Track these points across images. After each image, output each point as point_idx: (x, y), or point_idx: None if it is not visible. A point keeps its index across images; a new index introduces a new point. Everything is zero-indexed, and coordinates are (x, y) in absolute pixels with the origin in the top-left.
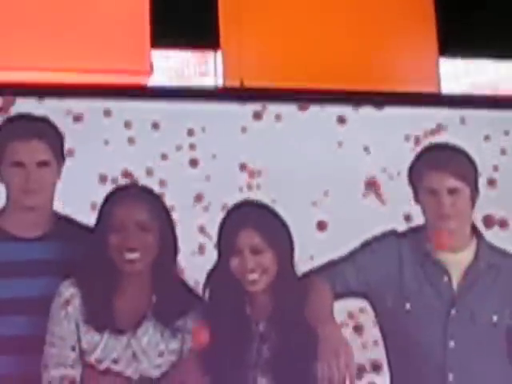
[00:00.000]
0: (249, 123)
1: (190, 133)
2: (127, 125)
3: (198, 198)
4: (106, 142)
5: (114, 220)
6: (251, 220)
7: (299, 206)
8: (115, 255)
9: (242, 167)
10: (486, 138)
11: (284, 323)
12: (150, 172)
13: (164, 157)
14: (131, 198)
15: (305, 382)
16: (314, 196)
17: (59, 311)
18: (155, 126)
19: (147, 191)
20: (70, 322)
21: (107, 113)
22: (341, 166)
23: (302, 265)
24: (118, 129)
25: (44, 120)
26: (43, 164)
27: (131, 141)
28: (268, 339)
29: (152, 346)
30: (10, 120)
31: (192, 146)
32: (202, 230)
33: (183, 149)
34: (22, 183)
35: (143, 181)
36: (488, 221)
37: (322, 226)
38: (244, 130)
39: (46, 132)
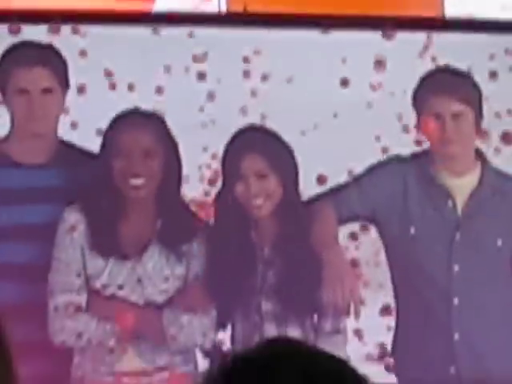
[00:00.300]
0: (252, 49)
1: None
2: (131, 51)
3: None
4: (109, 70)
5: (118, 146)
6: (256, 145)
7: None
8: (120, 181)
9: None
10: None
11: (289, 248)
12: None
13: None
14: (136, 124)
15: (309, 307)
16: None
17: (64, 237)
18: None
19: (152, 116)
20: (76, 248)
21: (111, 39)
22: (347, 93)
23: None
24: (121, 56)
25: (48, 47)
26: (47, 91)
27: (135, 67)
28: (273, 264)
29: (157, 271)
30: (15, 47)
31: (197, 71)
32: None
33: (189, 72)
34: (26, 110)
35: (149, 104)
36: (507, 138)
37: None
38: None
39: (50, 59)
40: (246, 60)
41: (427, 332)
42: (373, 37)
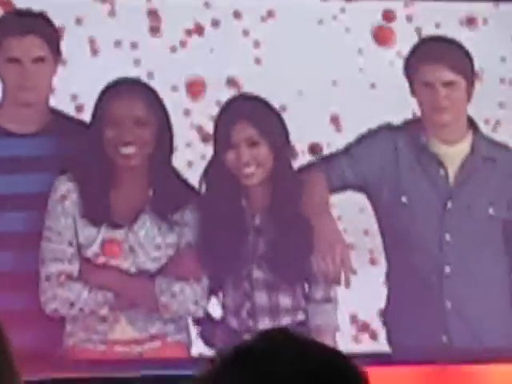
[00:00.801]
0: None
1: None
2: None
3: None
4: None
5: (109, 115)
6: (246, 113)
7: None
8: (111, 150)
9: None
10: None
11: (280, 216)
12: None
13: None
14: (127, 93)
15: (300, 275)
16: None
17: (56, 206)
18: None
19: (144, 86)
20: (67, 217)
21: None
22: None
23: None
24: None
25: (40, 15)
26: (39, 60)
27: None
28: (264, 232)
29: (149, 240)
30: (6, 16)
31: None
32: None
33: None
34: (18, 79)
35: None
36: None
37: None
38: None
39: (42, 27)
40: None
41: (419, 301)
42: None
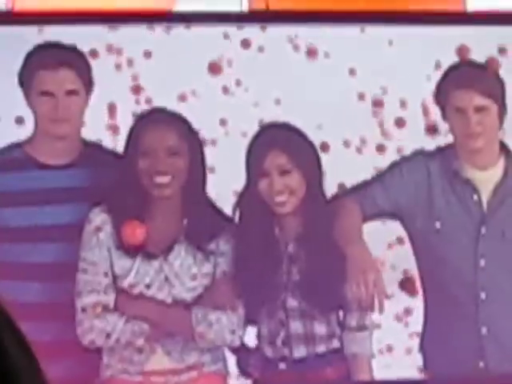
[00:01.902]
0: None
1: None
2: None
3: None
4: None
5: (143, 144)
6: (279, 141)
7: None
8: (145, 180)
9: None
10: None
11: (313, 244)
12: (180, 98)
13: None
14: (160, 123)
15: (335, 303)
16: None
17: (91, 238)
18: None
19: (175, 116)
20: (102, 248)
21: (133, 39)
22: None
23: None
24: (140, 54)
25: (72, 48)
26: (72, 93)
27: (155, 68)
28: (297, 260)
29: (184, 270)
30: (39, 48)
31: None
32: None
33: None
34: (51, 112)
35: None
36: None
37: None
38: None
39: (74, 60)
40: None
41: (455, 327)
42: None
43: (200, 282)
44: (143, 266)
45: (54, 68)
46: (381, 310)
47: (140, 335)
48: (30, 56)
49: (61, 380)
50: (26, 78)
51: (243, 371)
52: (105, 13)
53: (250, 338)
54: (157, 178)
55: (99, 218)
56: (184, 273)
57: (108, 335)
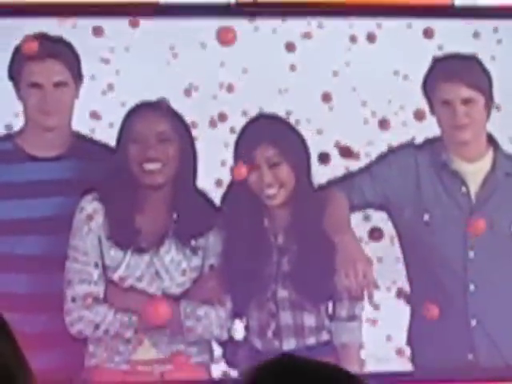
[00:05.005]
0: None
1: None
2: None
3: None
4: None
5: (134, 132)
6: (267, 134)
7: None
8: (135, 167)
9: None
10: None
11: (302, 235)
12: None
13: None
14: (151, 112)
15: (324, 293)
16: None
17: (82, 226)
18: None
19: (167, 107)
20: (93, 238)
21: (121, 32)
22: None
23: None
24: (125, 48)
25: (59, 40)
26: (60, 84)
27: (146, 60)
28: (287, 252)
29: (174, 265)
30: (26, 40)
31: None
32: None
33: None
34: (40, 104)
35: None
36: None
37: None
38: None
39: (62, 52)
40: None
41: (444, 319)
42: None
43: (188, 276)
44: (134, 259)
45: (41, 59)
46: (370, 299)
47: (129, 327)
48: (18, 48)
49: (48, 370)
50: (15, 70)
51: (230, 363)
52: (91, 4)
53: (238, 330)
54: (147, 165)
55: (91, 206)
56: (174, 268)
57: (97, 326)
